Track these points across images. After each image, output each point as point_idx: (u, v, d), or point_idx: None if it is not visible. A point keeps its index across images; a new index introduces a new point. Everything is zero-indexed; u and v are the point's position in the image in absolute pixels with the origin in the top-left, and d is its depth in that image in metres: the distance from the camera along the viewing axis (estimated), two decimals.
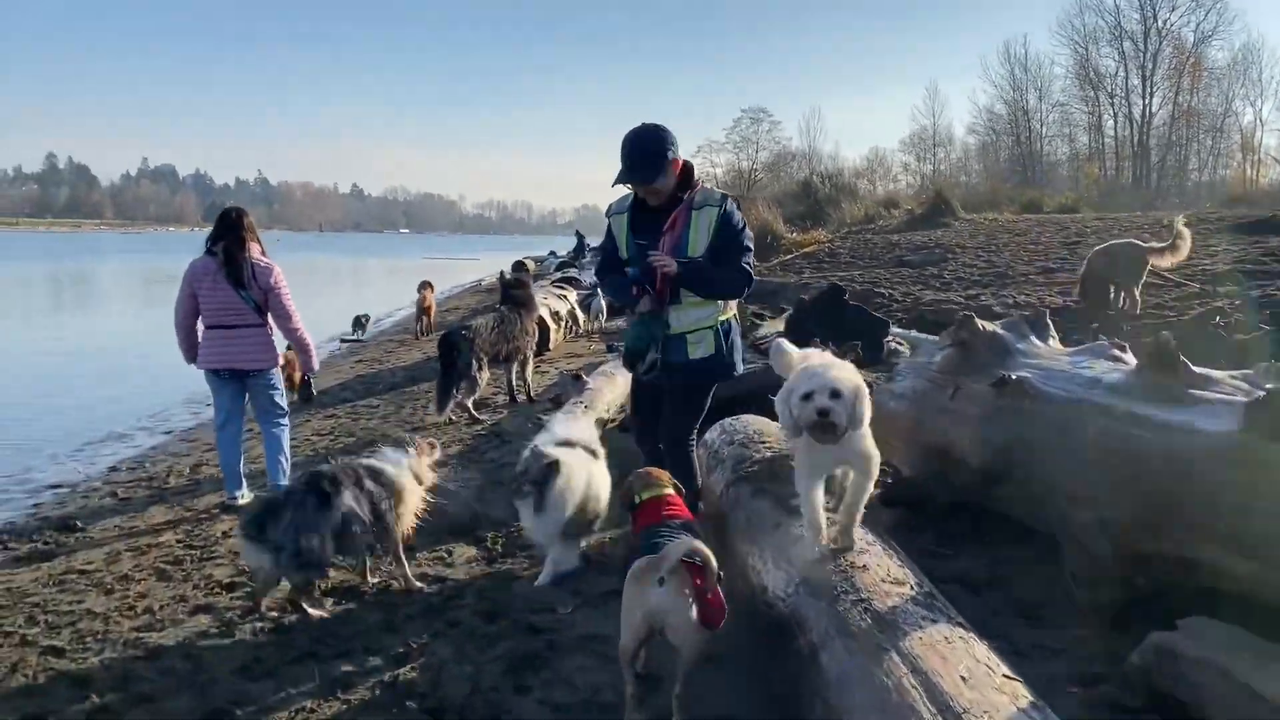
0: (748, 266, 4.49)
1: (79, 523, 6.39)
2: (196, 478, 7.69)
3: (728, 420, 5.40)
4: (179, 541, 5.73)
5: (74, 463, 9.02)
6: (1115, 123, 53.96)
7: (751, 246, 4.54)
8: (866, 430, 3.39)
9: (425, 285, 19.66)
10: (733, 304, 4.69)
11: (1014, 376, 4.53)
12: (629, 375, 6.24)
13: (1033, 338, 5.02)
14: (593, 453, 4.97)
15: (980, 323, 5.05)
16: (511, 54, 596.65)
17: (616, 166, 4.42)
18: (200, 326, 6.53)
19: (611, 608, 4.28)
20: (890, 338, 8.89)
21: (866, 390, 3.36)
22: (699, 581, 2.96)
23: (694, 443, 4.78)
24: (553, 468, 4.55)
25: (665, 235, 4.38)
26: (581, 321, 15.60)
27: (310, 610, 4.33)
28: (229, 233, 6.45)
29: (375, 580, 4.78)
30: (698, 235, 4.38)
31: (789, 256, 23.99)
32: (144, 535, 6.00)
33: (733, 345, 4.65)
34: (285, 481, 6.65)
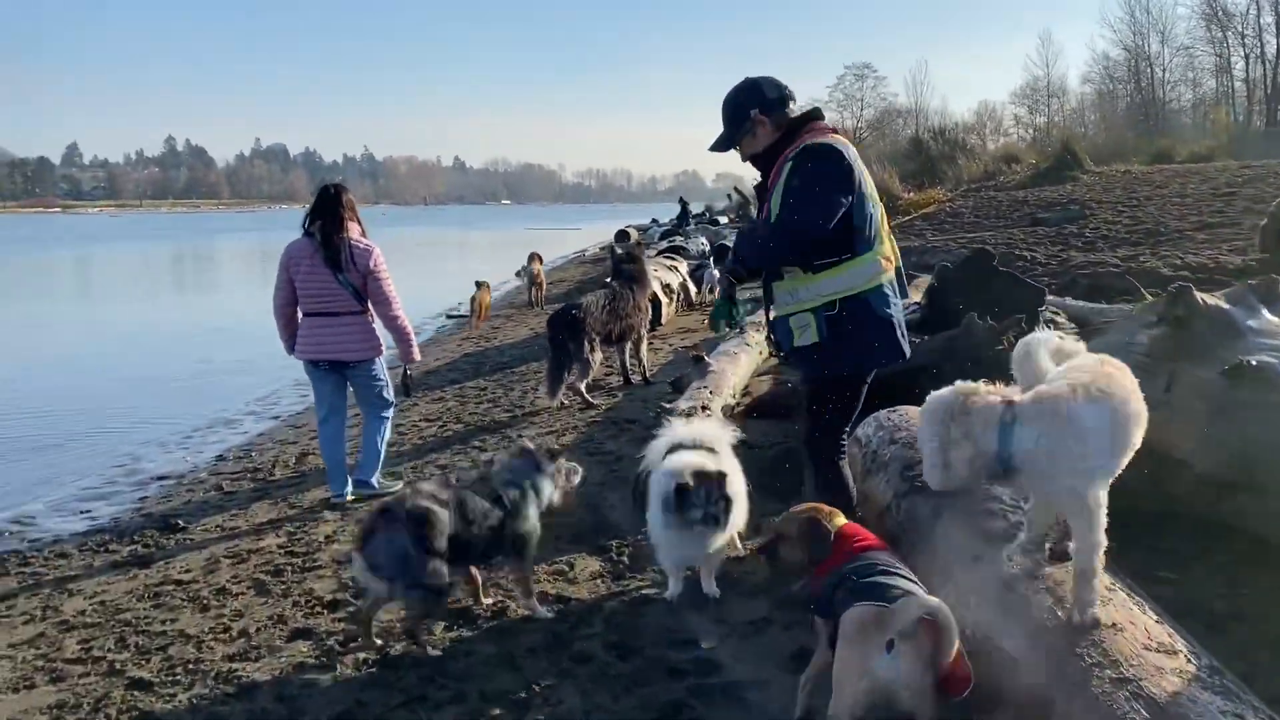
0: (781, 224, 3.62)
1: (180, 521, 6.08)
2: (302, 469, 7.33)
3: (884, 413, 4.65)
4: (280, 547, 5.32)
5: (182, 451, 8.84)
6: (1246, 65, 50.12)
7: (796, 201, 3.60)
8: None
9: (534, 257, 19.35)
10: (854, 278, 3.69)
11: (1252, 362, 3.68)
12: (753, 354, 5.51)
13: (1265, 313, 4.14)
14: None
15: (1199, 296, 4.18)
16: (608, 18, 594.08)
17: (716, 128, 3.96)
18: (300, 313, 6.11)
19: (764, 642, 3.65)
20: (1045, 308, 7.92)
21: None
22: (937, 645, 2.35)
23: (826, 449, 3.88)
24: (725, 498, 3.88)
25: (767, 198, 3.83)
26: (693, 294, 14.91)
27: (425, 644, 3.80)
28: (326, 212, 5.97)
29: (490, 601, 4.23)
30: (777, 195, 3.70)
31: (907, 218, 22.73)
32: (245, 537, 5.63)
33: (843, 333, 3.69)
34: (376, 479, 6.20)
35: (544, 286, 19.36)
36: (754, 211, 4.83)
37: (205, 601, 4.54)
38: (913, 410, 4.63)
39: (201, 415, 10.33)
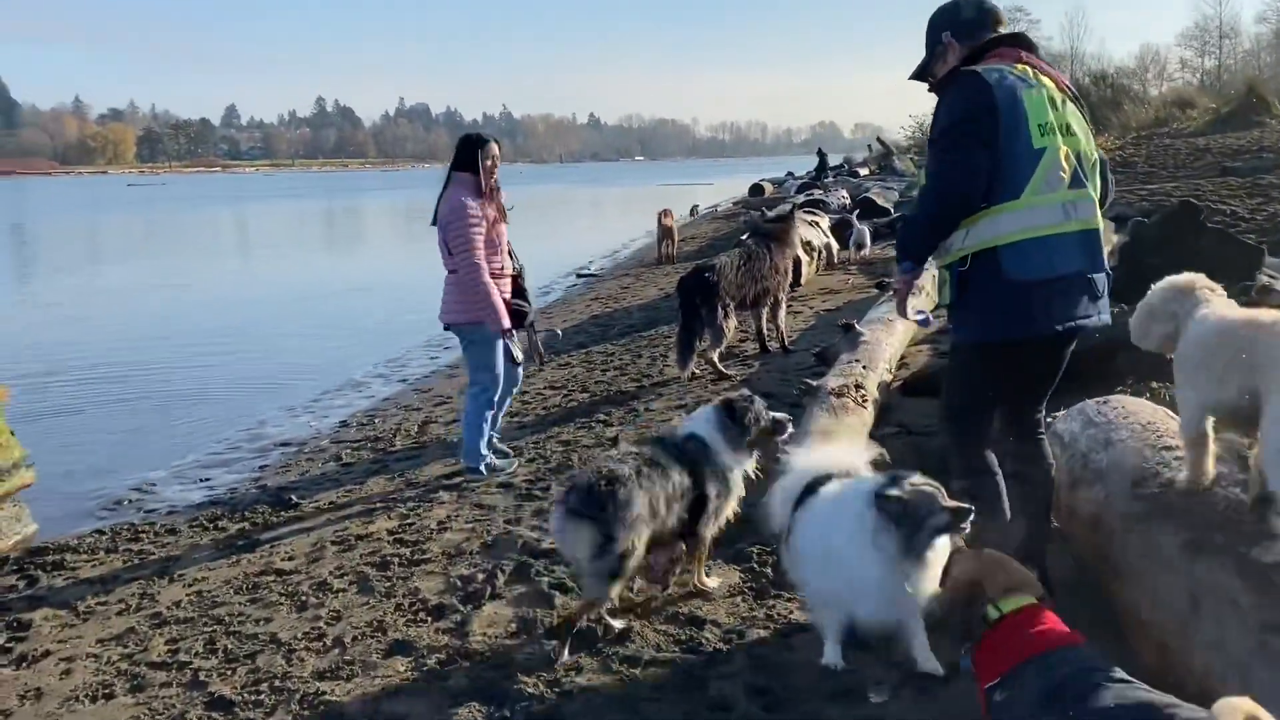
0: (927, 183, 3.23)
1: (294, 496, 5.75)
2: (423, 439, 6.95)
3: (1093, 405, 3.80)
4: (390, 533, 4.88)
5: (307, 416, 8.63)
6: None
7: (935, 150, 3.17)
8: None
9: (665, 212, 18.82)
10: (988, 230, 3.09)
11: None
12: (910, 322, 4.72)
13: None
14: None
15: None
16: None
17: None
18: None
19: (951, 695, 2.92)
20: (1263, 270, 6.77)
21: None
22: None
23: (960, 434, 3.35)
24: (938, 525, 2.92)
25: None
26: (835, 252, 13.94)
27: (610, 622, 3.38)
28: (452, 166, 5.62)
29: (620, 625, 3.60)
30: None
31: None
32: (356, 519, 5.22)
33: (968, 294, 3.15)
34: (481, 463, 5.68)
35: (676, 241, 18.79)
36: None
37: (303, 598, 4.11)
38: (1130, 402, 3.77)
39: (332, 377, 10.17)
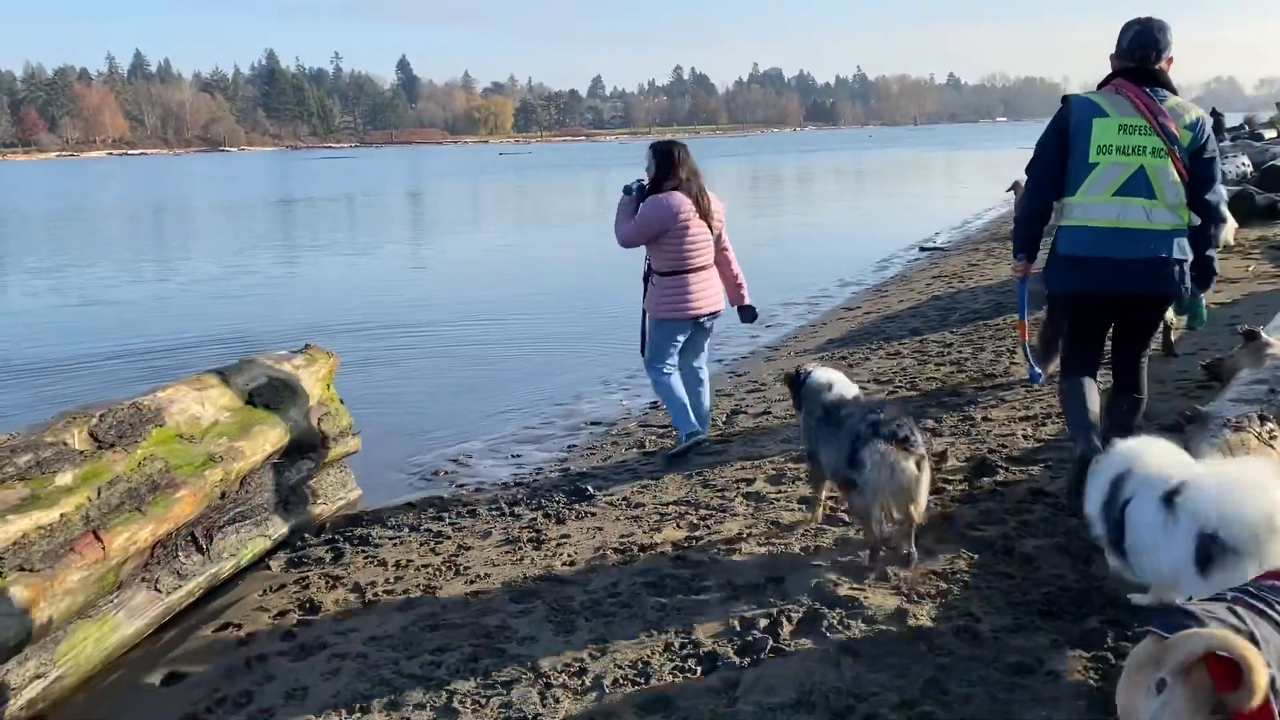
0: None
1: (590, 486, 5.53)
2: (728, 431, 6.50)
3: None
4: (675, 546, 4.46)
5: (622, 393, 8.51)
6: None
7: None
8: None
9: (1017, 185, 16.91)
10: (1060, 215, 4.44)
11: None
12: None
13: None
14: None
15: None
16: None
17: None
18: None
19: None
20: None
21: None
22: (1227, 687, 1.89)
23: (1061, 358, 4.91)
24: None
25: None
26: (1234, 232, 11.64)
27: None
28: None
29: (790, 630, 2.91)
30: None
31: None
32: (644, 521, 4.86)
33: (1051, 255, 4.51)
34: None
35: None
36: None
37: (572, 618, 3.79)
38: None
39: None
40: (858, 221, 24.13)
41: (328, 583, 4.46)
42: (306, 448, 5.58)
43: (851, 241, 19.28)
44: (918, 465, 3.73)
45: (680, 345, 5.94)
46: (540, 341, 10.94)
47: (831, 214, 26.80)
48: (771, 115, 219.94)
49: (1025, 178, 5.95)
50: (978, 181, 35.60)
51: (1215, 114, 33.27)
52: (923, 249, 17.30)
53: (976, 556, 3.99)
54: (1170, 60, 4.23)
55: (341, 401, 5.94)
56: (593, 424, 7.56)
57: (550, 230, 25.31)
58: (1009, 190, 16.88)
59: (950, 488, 4.81)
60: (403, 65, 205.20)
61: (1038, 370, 5.84)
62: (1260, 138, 30.09)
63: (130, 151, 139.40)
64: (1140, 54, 4.16)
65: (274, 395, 5.36)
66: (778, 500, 4.94)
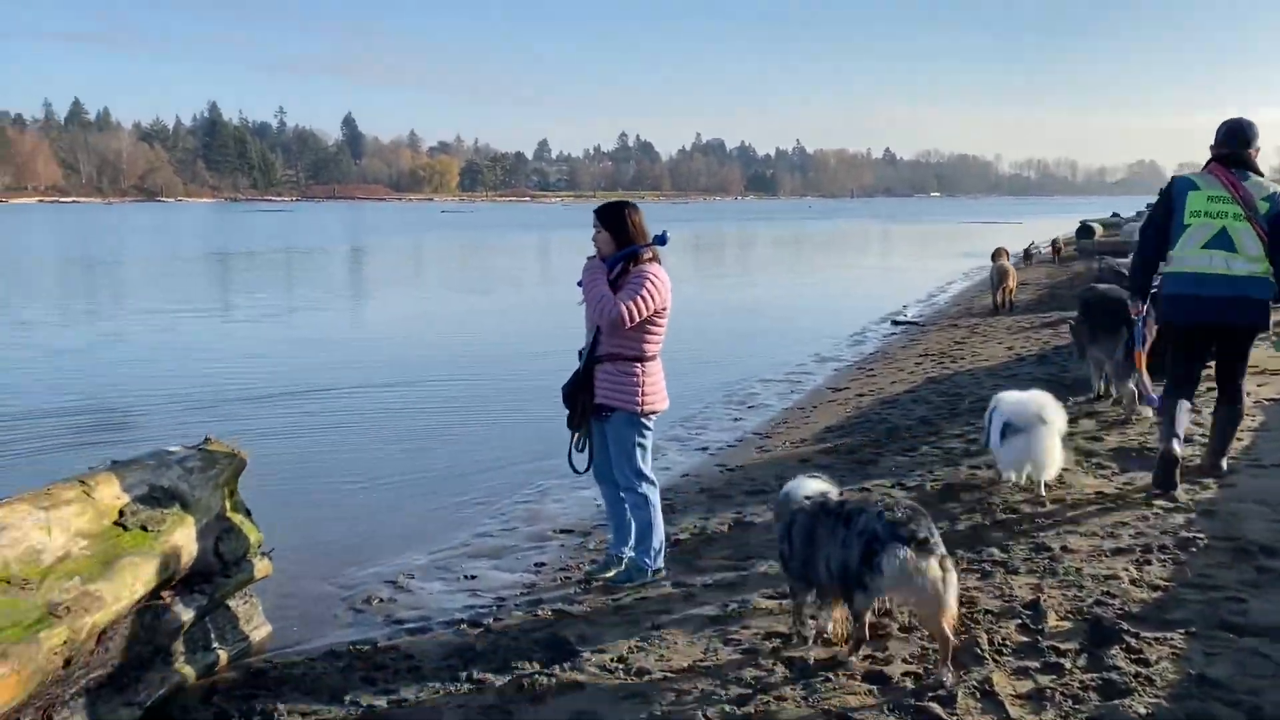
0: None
1: (572, 637, 4.20)
2: (739, 554, 5.23)
3: None
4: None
5: (593, 490, 7.16)
6: None
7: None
8: None
9: (1001, 251, 16.36)
10: (1167, 264, 5.64)
11: None
12: None
13: None
14: None
15: None
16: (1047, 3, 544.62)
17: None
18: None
19: None
20: None
21: None
22: None
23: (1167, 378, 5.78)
24: None
25: None
26: None
27: None
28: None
29: None
30: None
31: None
32: (655, 701, 3.54)
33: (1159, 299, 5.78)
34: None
35: (1014, 285, 16.28)
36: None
37: None
38: None
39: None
40: (821, 293, 23.28)
41: None
42: (198, 578, 4.20)
43: (819, 314, 18.37)
44: (941, 566, 3.42)
45: None
46: (487, 408, 9.68)
47: (795, 284, 25.93)
48: (713, 183, 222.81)
49: (1005, 245, 6.91)
50: (931, 255, 35.37)
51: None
52: (895, 322, 16.44)
53: None
54: (1257, 150, 5.41)
55: (249, 513, 4.55)
56: (563, 531, 6.24)
57: (479, 291, 24.02)
58: (992, 259, 16.35)
59: (1067, 663, 3.56)
60: (348, 121, 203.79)
61: (1152, 396, 6.12)
62: None
63: (62, 199, 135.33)
64: (1228, 144, 5.41)
65: (153, 514, 3.97)
66: (839, 688, 3.59)
